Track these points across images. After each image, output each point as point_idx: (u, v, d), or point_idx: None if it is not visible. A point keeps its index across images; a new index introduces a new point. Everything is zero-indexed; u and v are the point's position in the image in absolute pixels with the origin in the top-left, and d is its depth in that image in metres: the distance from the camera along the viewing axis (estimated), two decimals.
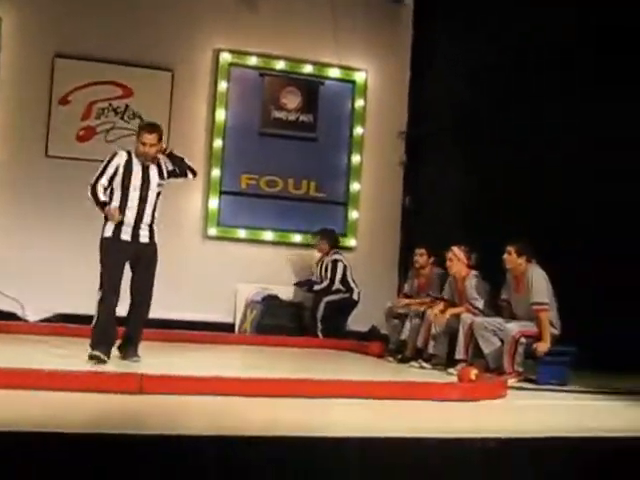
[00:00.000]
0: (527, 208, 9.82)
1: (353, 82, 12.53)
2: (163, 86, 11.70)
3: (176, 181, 7.94)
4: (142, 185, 7.61)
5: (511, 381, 7.67)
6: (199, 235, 11.90)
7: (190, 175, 7.93)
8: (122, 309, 7.62)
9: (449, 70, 11.63)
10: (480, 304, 8.70)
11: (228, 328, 11.46)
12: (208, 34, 11.92)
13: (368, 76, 12.52)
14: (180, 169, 7.84)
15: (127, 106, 11.59)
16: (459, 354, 8.45)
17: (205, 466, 4.28)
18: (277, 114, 12.22)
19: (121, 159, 7.66)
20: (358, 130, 12.49)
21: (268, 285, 11.57)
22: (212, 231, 11.93)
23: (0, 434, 4.15)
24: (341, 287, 11.23)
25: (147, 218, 7.63)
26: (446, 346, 8.75)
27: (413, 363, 8.95)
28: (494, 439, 4.92)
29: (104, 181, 7.60)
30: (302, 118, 12.30)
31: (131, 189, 7.59)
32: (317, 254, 11.67)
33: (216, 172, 11.93)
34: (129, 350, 7.63)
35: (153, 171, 7.70)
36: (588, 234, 9.20)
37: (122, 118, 11.55)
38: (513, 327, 8.16)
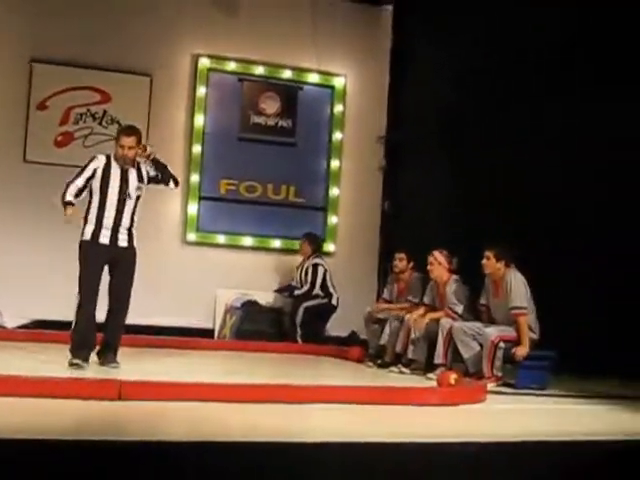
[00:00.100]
0: (511, 211, 9.79)
1: (332, 87, 12.53)
2: (141, 91, 11.65)
3: (156, 187, 7.92)
4: (120, 189, 7.60)
5: (490, 385, 7.70)
6: (178, 240, 11.87)
7: (172, 184, 7.92)
8: (101, 315, 7.60)
9: (429, 74, 11.65)
10: (459, 309, 8.71)
11: (207, 334, 11.43)
12: (187, 39, 11.90)
13: (347, 81, 12.53)
14: (162, 176, 7.83)
15: (105, 111, 11.54)
16: (438, 359, 8.47)
17: (185, 472, 4.27)
18: (256, 119, 12.21)
19: (100, 162, 7.65)
20: (337, 135, 12.50)
21: (247, 290, 11.52)
22: (191, 236, 11.90)
23: None
24: (320, 292, 11.22)
25: (126, 222, 7.62)
26: (425, 351, 8.76)
27: (392, 368, 8.95)
28: (474, 443, 4.94)
29: (79, 182, 7.58)
30: (281, 123, 12.29)
31: (109, 192, 7.57)
32: (299, 257, 11.65)
33: (195, 177, 11.90)
34: (108, 356, 7.60)
35: (132, 175, 7.69)
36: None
37: (100, 123, 11.50)
38: (492, 332, 8.18)
